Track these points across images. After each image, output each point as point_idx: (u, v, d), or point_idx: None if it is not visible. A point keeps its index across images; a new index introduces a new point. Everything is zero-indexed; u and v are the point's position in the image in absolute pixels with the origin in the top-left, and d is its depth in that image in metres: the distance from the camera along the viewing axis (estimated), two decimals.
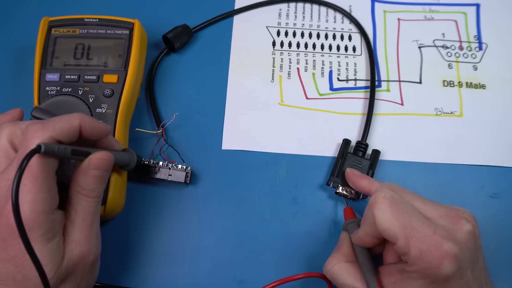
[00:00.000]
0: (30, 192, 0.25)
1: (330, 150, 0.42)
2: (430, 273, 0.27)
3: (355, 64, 0.46)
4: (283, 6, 0.48)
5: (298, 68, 0.45)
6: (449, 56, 0.46)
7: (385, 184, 0.33)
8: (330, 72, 0.45)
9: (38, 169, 0.25)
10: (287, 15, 0.48)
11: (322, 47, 0.46)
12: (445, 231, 0.28)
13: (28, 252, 0.23)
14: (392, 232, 0.28)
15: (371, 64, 0.45)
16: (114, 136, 0.37)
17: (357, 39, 0.47)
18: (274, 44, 0.46)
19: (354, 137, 0.42)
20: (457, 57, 0.46)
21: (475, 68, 0.46)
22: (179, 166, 0.39)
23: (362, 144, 0.40)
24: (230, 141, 0.42)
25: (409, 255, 0.28)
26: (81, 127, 0.29)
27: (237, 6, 0.48)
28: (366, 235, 0.31)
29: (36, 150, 0.24)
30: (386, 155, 0.41)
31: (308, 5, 0.49)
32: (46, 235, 0.26)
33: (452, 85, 0.45)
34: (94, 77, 0.38)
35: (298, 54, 0.46)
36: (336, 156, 0.41)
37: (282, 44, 0.46)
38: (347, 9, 0.48)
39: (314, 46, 0.46)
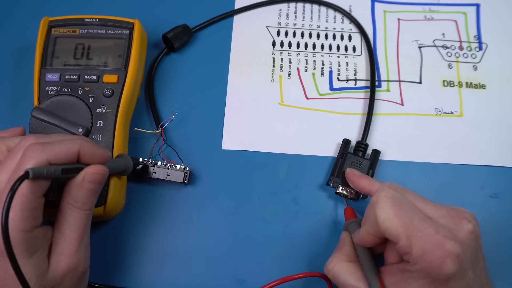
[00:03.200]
0: (13, 210, 0.25)
1: (330, 150, 0.42)
2: (432, 273, 0.27)
3: (355, 64, 0.46)
4: (283, 6, 0.48)
5: (298, 68, 0.45)
6: (449, 56, 0.46)
7: (386, 184, 0.33)
8: (330, 72, 0.45)
9: (26, 190, 0.26)
10: (287, 15, 0.48)
11: (322, 47, 0.46)
12: (447, 231, 0.28)
13: (15, 270, 0.24)
14: (394, 231, 0.28)
15: (371, 64, 0.45)
16: (114, 136, 0.37)
17: (357, 39, 0.47)
18: (274, 44, 0.46)
19: (354, 137, 0.42)
20: (457, 57, 0.46)
21: (475, 68, 0.46)
22: (178, 166, 0.39)
23: (362, 144, 0.40)
24: (230, 141, 0.42)
25: (411, 254, 0.28)
26: (79, 153, 0.29)
27: (237, 6, 0.48)
28: (367, 235, 0.31)
29: (24, 176, 0.25)
30: (386, 155, 0.41)
31: (308, 5, 0.49)
32: (26, 251, 0.26)
33: (452, 85, 0.45)
34: (94, 77, 0.38)
35: (298, 54, 0.46)
36: (336, 156, 0.41)
37: (282, 44, 0.46)
38: (347, 9, 0.48)
39: (314, 46, 0.46)
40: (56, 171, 0.27)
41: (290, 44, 0.46)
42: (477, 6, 0.49)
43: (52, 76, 0.38)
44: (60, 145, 0.28)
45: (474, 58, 0.46)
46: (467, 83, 0.45)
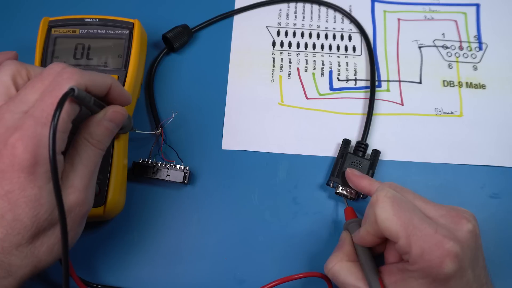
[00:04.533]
0: (47, 127, 0.24)
1: (330, 150, 0.42)
2: (431, 272, 0.27)
3: (355, 64, 0.46)
4: (283, 6, 0.48)
5: (298, 68, 0.45)
6: (449, 56, 0.46)
7: (386, 183, 0.33)
8: (330, 72, 0.45)
9: (65, 109, 0.25)
10: (287, 15, 0.48)
11: (322, 47, 0.46)
12: (447, 230, 0.28)
13: (54, 190, 0.24)
14: (393, 230, 0.28)
15: (371, 64, 0.45)
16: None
17: (357, 39, 0.47)
18: (274, 44, 0.46)
19: (354, 137, 0.42)
20: (457, 57, 0.46)
21: (475, 68, 0.46)
22: (178, 166, 0.39)
23: (362, 144, 0.40)
24: (230, 141, 0.42)
25: (411, 254, 0.28)
26: (111, 88, 0.29)
27: (237, 6, 0.48)
28: (367, 234, 0.31)
29: (70, 93, 0.25)
30: (386, 155, 0.41)
31: (308, 5, 0.49)
32: (49, 173, 0.25)
33: (452, 85, 0.45)
34: None
35: (298, 54, 0.46)
36: (336, 156, 0.41)
37: (282, 44, 0.46)
38: (347, 9, 0.48)
39: (314, 46, 0.46)
40: (91, 100, 0.27)
41: (290, 44, 0.46)
42: (477, 6, 0.49)
43: None
44: (96, 75, 0.28)
45: (474, 58, 0.46)
46: (467, 83, 0.45)
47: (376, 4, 0.49)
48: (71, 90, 0.25)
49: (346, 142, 0.41)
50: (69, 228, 0.27)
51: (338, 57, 0.46)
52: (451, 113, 0.44)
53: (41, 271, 0.27)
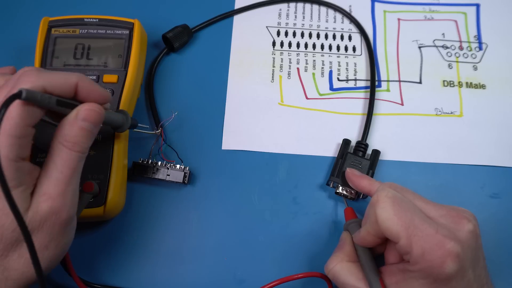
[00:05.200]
0: (0, 133, 0.24)
1: (330, 150, 0.42)
2: (432, 272, 0.27)
3: (355, 64, 0.46)
4: (283, 6, 0.48)
5: (298, 68, 0.45)
6: (449, 56, 0.46)
7: (386, 183, 0.33)
8: (330, 72, 0.45)
9: (15, 113, 0.24)
10: (287, 15, 0.48)
11: (322, 47, 0.46)
12: (447, 230, 0.28)
13: (6, 196, 0.22)
14: (394, 230, 0.28)
15: (371, 64, 0.45)
16: (114, 136, 0.37)
17: (357, 39, 0.47)
18: (274, 44, 0.46)
19: (354, 137, 0.42)
20: (457, 57, 0.46)
21: (475, 68, 0.46)
22: (178, 166, 0.39)
23: (362, 144, 0.40)
24: (230, 141, 0.42)
25: (412, 254, 0.28)
26: (77, 86, 0.27)
27: (237, 6, 0.48)
28: (368, 234, 0.31)
29: (17, 95, 0.23)
30: (386, 155, 0.41)
31: (308, 5, 0.49)
32: (9, 182, 0.24)
33: (452, 85, 0.45)
34: (94, 77, 0.38)
35: (298, 54, 0.46)
36: (336, 156, 0.41)
37: (282, 44, 0.46)
38: (347, 9, 0.48)
39: (314, 46, 0.46)
40: (50, 100, 0.26)
41: (290, 44, 0.46)
42: (477, 6, 0.49)
43: None
44: (58, 74, 0.27)
45: (474, 58, 0.46)
46: (467, 83, 0.45)
47: (376, 4, 0.49)
48: (19, 92, 0.24)
49: (346, 142, 0.41)
50: (50, 238, 0.27)
51: (338, 57, 0.46)
52: (451, 113, 0.44)
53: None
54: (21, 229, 0.23)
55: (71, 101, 0.28)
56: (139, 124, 0.38)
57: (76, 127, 0.27)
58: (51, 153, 0.27)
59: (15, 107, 0.24)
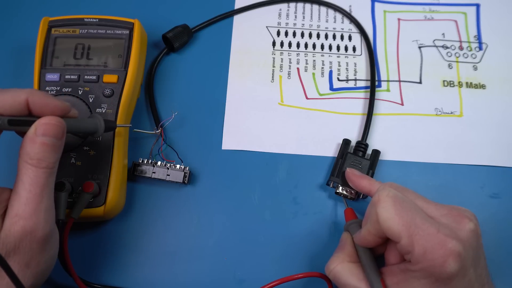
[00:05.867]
0: None
1: (330, 150, 0.42)
2: (434, 272, 0.27)
3: (355, 64, 0.46)
4: (283, 6, 0.48)
5: (298, 68, 0.45)
6: (449, 56, 0.46)
7: (386, 183, 0.33)
8: (330, 72, 0.45)
9: None
10: (287, 15, 0.48)
11: (322, 47, 0.46)
12: (449, 230, 0.28)
13: None
14: (395, 230, 0.28)
15: (371, 64, 0.45)
16: (114, 136, 0.37)
17: (357, 39, 0.47)
18: (274, 44, 0.46)
19: (354, 137, 0.42)
20: (457, 57, 0.46)
21: (475, 68, 0.46)
22: (178, 166, 0.39)
23: (362, 144, 0.40)
24: (230, 141, 0.42)
25: (413, 253, 0.28)
26: (28, 102, 0.27)
27: (237, 6, 0.48)
28: (369, 234, 0.31)
29: None
30: (386, 155, 0.41)
31: (308, 5, 0.49)
32: None
33: (452, 85, 0.45)
34: (94, 77, 0.38)
35: (298, 54, 0.46)
36: (336, 156, 0.41)
37: (282, 44, 0.46)
38: (347, 9, 0.48)
39: (314, 46, 0.46)
40: (1, 122, 0.25)
41: (290, 44, 0.46)
42: (477, 6, 0.49)
43: (52, 76, 0.38)
44: (6, 93, 0.26)
45: (474, 58, 0.46)
46: (467, 83, 0.45)
47: (376, 4, 0.49)
48: None
49: (346, 142, 0.41)
50: (28, 257, 0.27)
51: (338, 57, 0.46)
52: (451, 113, 0.44)
53: None
54: None
55: (26, 118, 0.27)
56: (118, 125, 0.37)
57: (37, 143, 0.26)
58: (18, 173, 0.27)
59: None
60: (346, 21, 0.48)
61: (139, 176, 0.39)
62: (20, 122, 0.27)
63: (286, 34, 0.47)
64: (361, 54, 0.46)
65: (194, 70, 0.45)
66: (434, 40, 0.47)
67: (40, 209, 0.27)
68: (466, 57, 0.46)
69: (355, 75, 0.45)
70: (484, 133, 0.43)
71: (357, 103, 0.44)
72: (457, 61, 0.46)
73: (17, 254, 0.26)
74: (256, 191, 0.40)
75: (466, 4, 0.49)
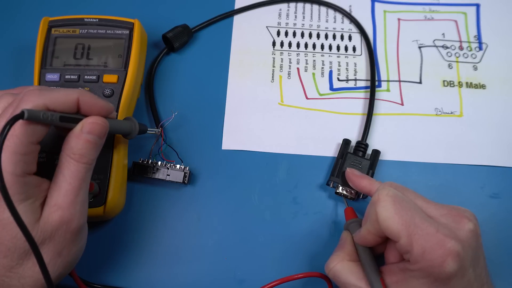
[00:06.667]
0: (4, 151, 0.25)
1: (330, 150, 0.42)
2: (433, 271, 0.27)
3: (355, 64, 0.46)
4: (283, 6, 0.48)
5: (298, 68, 0.45)
6: (449, 56, 0.46)
7: (386, 183, 0.33)
8: (330, 72, 0.45)
9: (19, 132, 0.26)
10: (287, 15, 0.48)
11: (322, 47, 0.46)
12: (448, 229, 0.28)
13: (12, 213, 0.24)
14: (395, 229, 0.28)
15: (371, 64, 0.45)
16: (114, 136, 0.37)
17: (357, 39, 0.47)
18: (274, 44, 0.46)
19: (354, 137, 0.42)
20: (457, 57, 0.46)
21: (475, 68, 0.46)
22: (178, 166, 0.39)
23: (362, 144, 0.40)
24: (230, 141, 0.42)
25: (412, 253, 0.28)
26: (79, 101, 0.29)
27: (237, 6, 0.48)
28: (368, 233, 0.31)
29: (19, 116, 0.25)
30: (386, 155, 0.41)
31: (308, 5, 0.49)
32: (16, 196, 0.26)
33: (452, 85, 0.45)
34: (94, 77, 0.38)
35: (298, 54, 0.46)
36: (336, 156, 0.41)
37: (282, 44, 0.46)
38: (347, 9, 0.48)
39: (314, 46, 0.46)
40: (53, 117, 0.27)
41: (290, 44, 0.46)
42: (477, 6, 0.49)
43: (52, 76, 0.38)
44: (59, 91, 0.28)
45: (474, 58, 0.46)
46: (467, 83, 0.45)
47: (376, 4, 0.49)
48: (21, 113, 0.25)
49: (346, 142, 0.41)
50: (62, 246, 0.28)
51: (338, 57, 0.46)
52: (451, 113, 0.44)
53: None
54: (26, 239, 0.24)
55: (75, 115, 0.29)
56: (149, 129, 0.38)
57: (82, 140, 0.28)
58: (59, 166, 0.28)
59: (19, 127, 0.26)
60: (346, 21, 0.48)
61: (139, 176, 0.39)
62: (70, 119, 0.28)
63: (286, 34, 0.47)
64: (361, 54, 0.46)
65: (194, 70, 0.45)
66: (434, 40, 0.47)
67: (77, 201, 0.28)
68: (466, 57, 0.46)
69: (355, 75, 0.45)
70: (484, 133, 0.43)
71: (357, 103, 0.44)
72: (457, 61, 0.46)
73: (51, 242, 0.28)
74: (256, 191, 0.40)
75: (466, 4, 0.49)
